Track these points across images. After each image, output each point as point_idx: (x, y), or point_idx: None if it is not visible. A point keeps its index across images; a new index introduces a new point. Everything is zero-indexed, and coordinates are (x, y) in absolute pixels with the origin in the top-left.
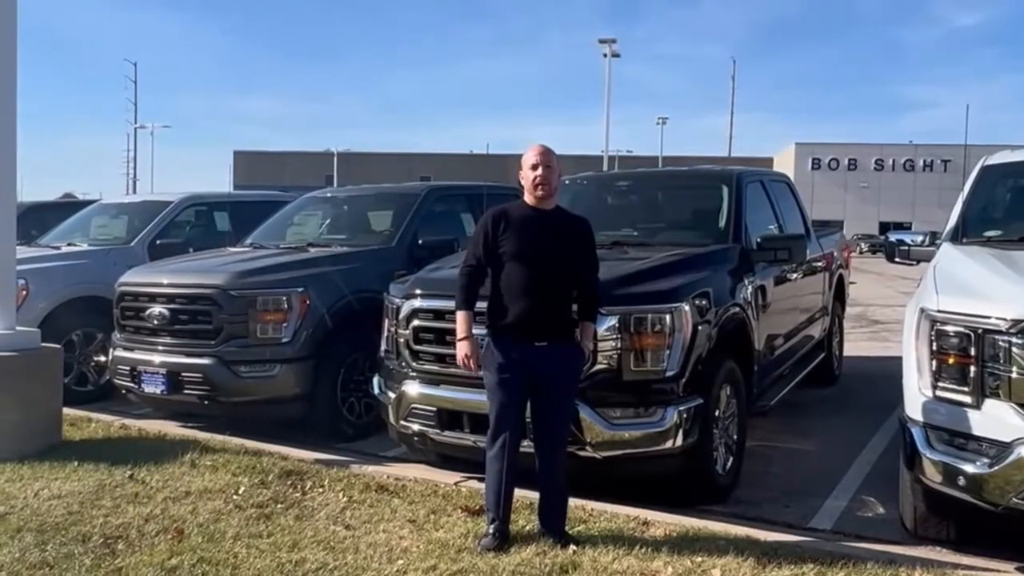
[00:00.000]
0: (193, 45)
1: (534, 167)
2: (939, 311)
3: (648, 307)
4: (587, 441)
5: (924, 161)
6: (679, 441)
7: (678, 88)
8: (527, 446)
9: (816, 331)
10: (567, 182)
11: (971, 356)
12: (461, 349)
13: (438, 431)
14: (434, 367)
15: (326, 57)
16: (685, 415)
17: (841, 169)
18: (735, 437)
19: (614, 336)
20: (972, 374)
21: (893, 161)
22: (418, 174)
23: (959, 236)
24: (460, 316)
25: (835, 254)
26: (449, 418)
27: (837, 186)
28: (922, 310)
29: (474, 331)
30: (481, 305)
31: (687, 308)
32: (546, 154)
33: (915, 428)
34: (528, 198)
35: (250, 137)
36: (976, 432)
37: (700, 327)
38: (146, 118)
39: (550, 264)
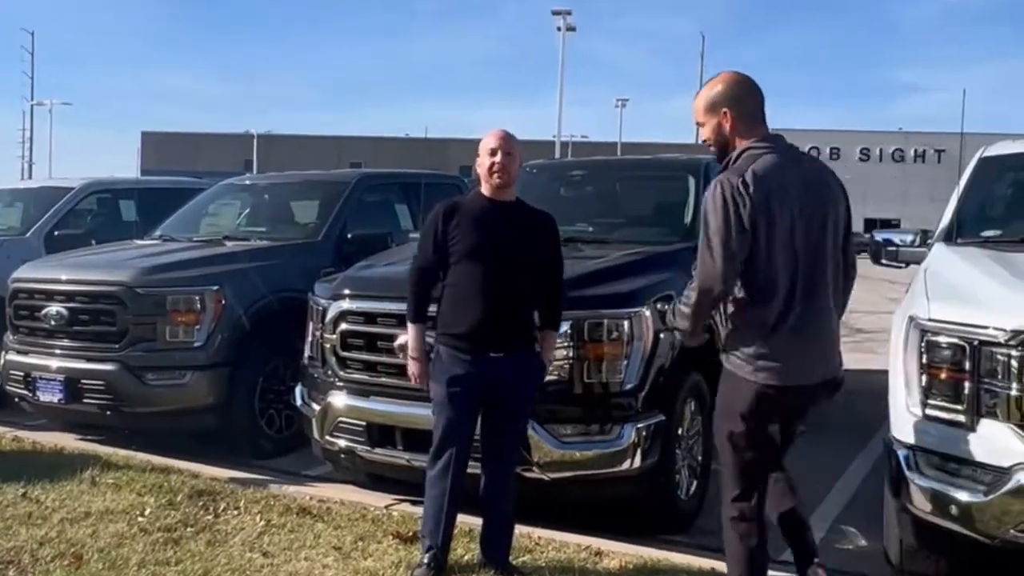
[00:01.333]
0: (103, 11)
1: (492, 153)
2: (930, 320)
3: (604, 312)
4: (534, 461)
5: (915, 151)
6: (637, 462)
7: (641, 67)
8: (471, 467)
9: None
10: None
11: (966, 371)
12: (413, 368)
13: (368, 448)
14: (364, 376)
15: (260, 29)
16: (644, 433)
17: (822, 159)
18: (700, 459)
19: (566, 344)
20: (967, 391)
21: (880, 151)
22: (349, 160)
23: (953, 236)
24: (411, 330)
25: None
26: (380, 433)
27: None
28: (911, 319)
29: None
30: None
31: (648, 313)
32: (506, 140)
33: (902, 451)
34: (485, 188)
35: (168, 117)
36: (970, 456)
37: (662, 335)
38: (45, 94)
39: (508, 263)
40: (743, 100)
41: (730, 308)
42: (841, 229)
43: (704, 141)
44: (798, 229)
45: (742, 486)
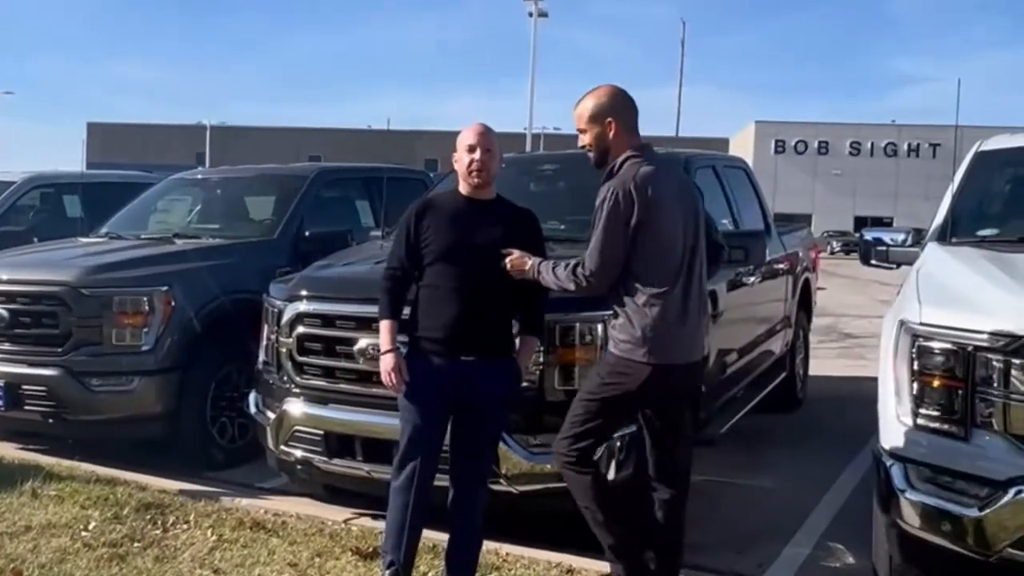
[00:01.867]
0: None
1: (471, 149)
2: (922, 324)
3: (577, 315)
4: (502, 473)
5: (909, 145)
6: (611, 475)
7: (618, 56)
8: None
9: (776, 346)
10: None
11: (960, 378)
12: (385, 363)
13: (325, 459)
14: (322, 382)
15: (217, 15)
16: (618, 444)
17: (810, 153)
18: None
19: (537, 348)
20: (960, 400)
21: (872, 144)
22: (307, 153)
23: (948, 235)
24: (383, 325)
25: (800, 255)
26: (339, 443)
27: (805, 173)
28: (902, 323)
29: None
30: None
31: None
32: (486, 135)
33: (892, 463)
34: (462, 186)
35: (116, 108)
36: (964, 469)
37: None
38: None
39: (485, 263)
40: (626, 112)
41: (627, 300)
42: (702, 231)
43: (585, 147)
44: (680, 231)
45: (592, 437)
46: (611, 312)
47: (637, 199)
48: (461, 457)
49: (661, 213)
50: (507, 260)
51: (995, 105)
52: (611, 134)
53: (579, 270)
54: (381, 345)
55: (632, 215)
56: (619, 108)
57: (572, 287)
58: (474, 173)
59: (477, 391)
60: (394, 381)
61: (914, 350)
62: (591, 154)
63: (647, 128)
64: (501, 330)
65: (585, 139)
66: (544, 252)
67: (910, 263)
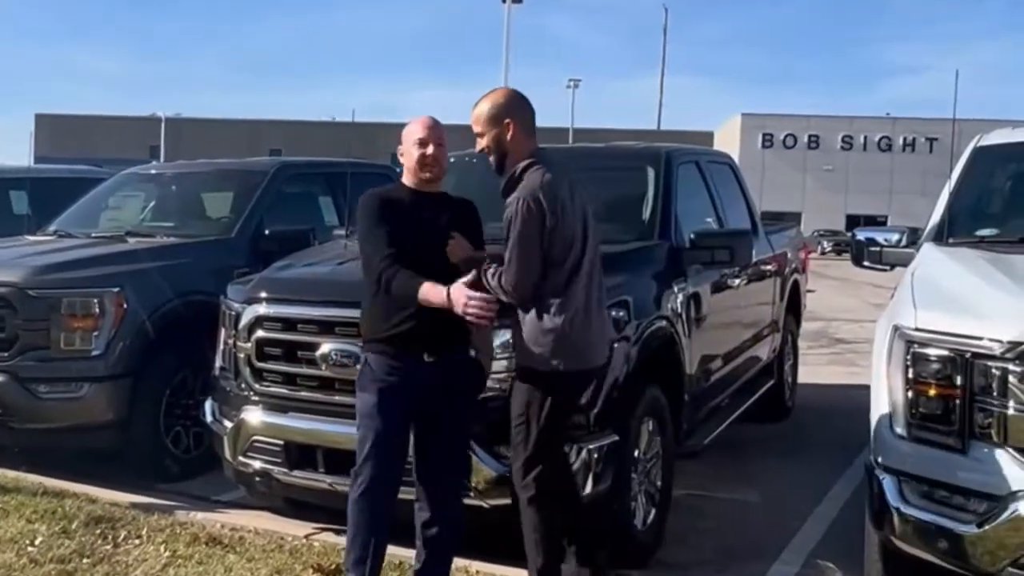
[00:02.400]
0: None
1: (421, 143)
2: (917, 329)
3: None
4: (472, 485)
5: (904, 139)
6: (588, 488)
7: (597, 44)
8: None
9: (764, 352)
10: (452, 159)
11: (957, 387)
12: (456, 295)
13: (286, 470)
14: (282, 390)
15: (174, 2)
16: (596, 455)
17: (799, 148)
18: (659, 484)
19: (508, 355)
20: (958, 410)
21: (865, 138)
22: (267, 146)
23: (945, 235)
24: (425, 288)
25: (789, 255)
26: (300, 454)
27: (794, 169)
28: (896, 328)
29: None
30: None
31: None
32: (436, 129)
33: (885, 476)
34: (409, 179)
35: (66, 98)
36: (962, 483)
37: (617, 344)
38: None
39: (439, 259)
40: (523, 113)
41: (535, 307)
42: (591, 232)
43: (483, 150)
44: (580, 233)
45: (542, 460)
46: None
47: (547, 206)
48: (429, 466)
49: (565, 218)
50: (450, 242)
51: (995, 97)
52: (509, 135)
53: (502, 280)
54: (437, 297)
55: (544, 222)
56: (516, 109)
57: (504, 296)
58: (428, 168)
59: (440, 392)
60: (482, 310)
61: (909, 357)
62: (491, 158)
63: (626, 121)
64: (460, 327)
65: (483, 142)
66: (483, 241)
67: (905, 265)
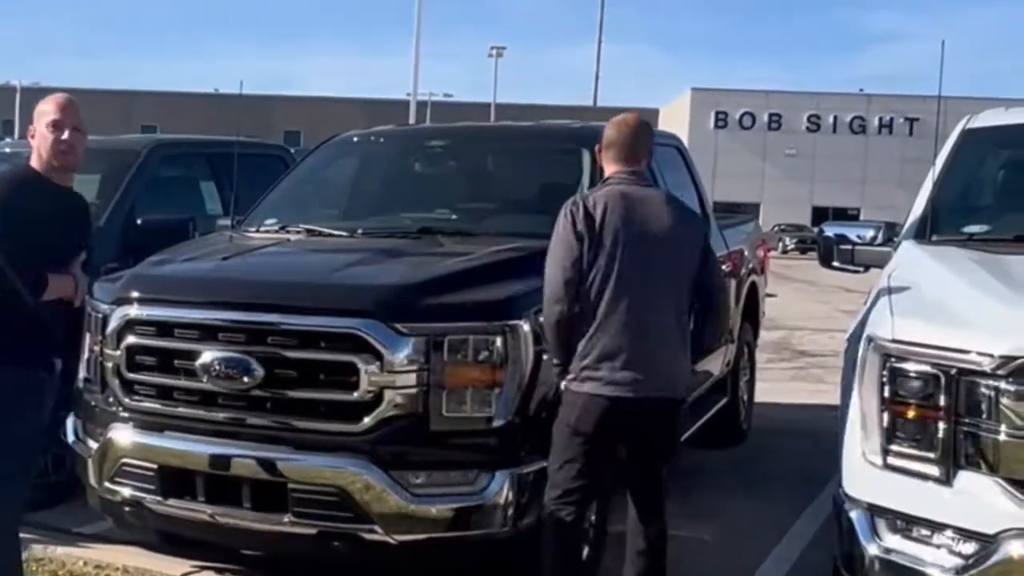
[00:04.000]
0: None
1: (56, 126)
2: (895, 341)
3: (469, 324)
4: (374, 518)
5: (880, 119)
6: (511, 521)
7: (524, 8)
8: None
9: (715, 366)
10: (356, 140)
11: (941, 408)
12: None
13: (159, 498)
14: (156, 405)
15: None
16: (521, 484)
17: (758, 128)
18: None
19: (417, 367)
20: (941, 434)
21: (835, 119)
22: (140, 122)
23: (927, 232)
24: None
25: (745, 253)
26: (177, 480)
27: (752, 153)
28: (870, 339)
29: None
30: None
31: (527, 327)
32: (74, 110)
33: (856, 511)
34: (38, 163)
35: None
36: (946, 519)
37: (544, 356)
38: None
39: (68, 260)
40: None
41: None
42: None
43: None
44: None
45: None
46: (517, 322)
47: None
48: None
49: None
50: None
51: (986, 73)
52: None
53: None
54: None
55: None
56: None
57: None
58: (65, 155)
59: None
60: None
61: (885, 373)
62: None
63: (558, 97)
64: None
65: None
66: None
67: (881, 266)
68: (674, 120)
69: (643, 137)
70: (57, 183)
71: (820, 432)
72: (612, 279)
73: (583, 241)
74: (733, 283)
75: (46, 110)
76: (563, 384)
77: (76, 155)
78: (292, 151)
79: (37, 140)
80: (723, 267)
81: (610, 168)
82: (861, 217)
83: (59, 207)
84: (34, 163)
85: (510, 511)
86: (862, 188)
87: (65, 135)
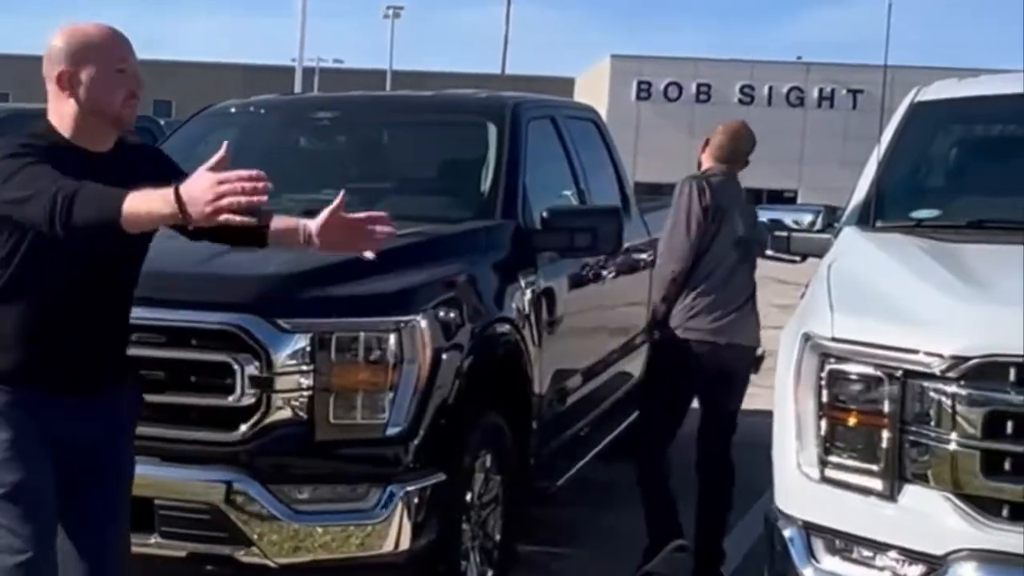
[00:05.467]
0: None
1: (124, 70)
2: (834, 339)
3: (360, 320)
4: (252, 538)
5: (820, 91)
6: (406, 541)
7: None
8: None
9: (637, 366)
10: (233, 111)
11: (884, 414)
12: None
13: None
14: None
15: None
16: (417, 500)
17: (685, 100)
18: (498, 537)
19: (301, 367)
20: (885, 444)
21: (770, 90)
22: None
23: (871, 217)
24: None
25: None
26: None
27: (677, 128)
28: (807, 337)
29: None
30: None
31: (424, 324)
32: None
33: (790, 529)
34: (71, 126)
35: None
36: (890, 539)
37: (445, 355)
38: None
39: None
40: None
41: None
42: None
43: None
44: None
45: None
46: (413, 318)
47: None
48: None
49: None
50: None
51: (937, 40)
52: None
53: None
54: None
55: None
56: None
57: None
58: (132, 111)
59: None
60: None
61: (823, 375)
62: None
63: (462, 64)
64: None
65: None
66: None
67: (820, 255)
68: (591, 91)
69: (747, 146)
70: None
71: (751, 440)
72: (716, 247)
73: (705, 212)
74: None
75: (104, 43)
76: (665, 333)
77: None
78: (162, 123)
79: (89, 89)
80: (644, 256)
81: (708, 164)
82: (799, 200)
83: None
84: (62, 125)
85: (405, 531)
86: (799, 168)
87: (134, 83)
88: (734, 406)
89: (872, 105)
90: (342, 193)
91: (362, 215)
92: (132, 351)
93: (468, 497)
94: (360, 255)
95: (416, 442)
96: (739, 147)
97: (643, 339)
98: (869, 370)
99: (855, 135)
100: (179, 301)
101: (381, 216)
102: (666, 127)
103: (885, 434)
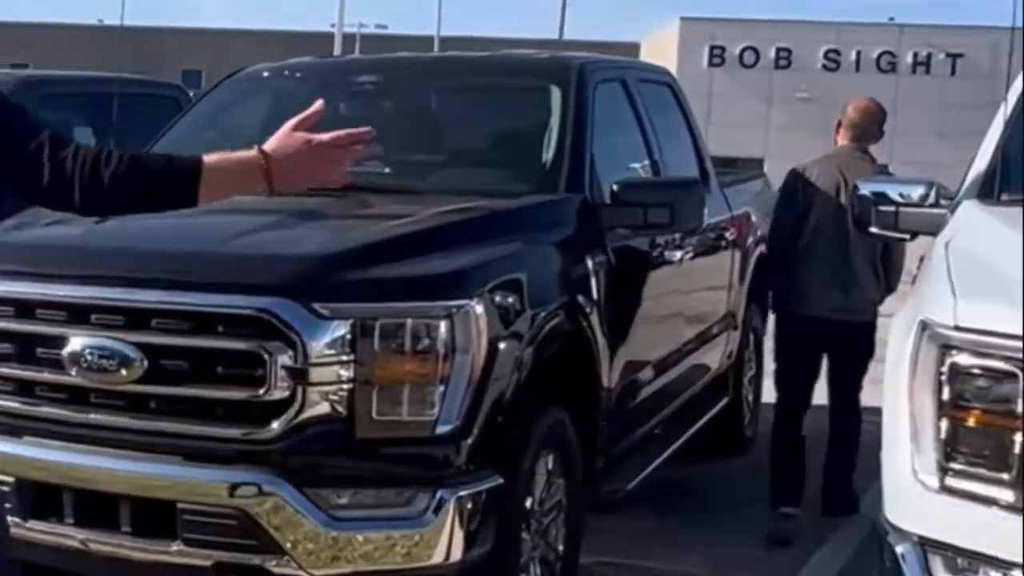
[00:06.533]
0: None
1: None
2: (957, 328)
3: (407, 305)
4: (285, 547)
5: (915, 55)
6: (457, 552)
7: None
8: None
9: (715, 358)
10: (266, 75)
11: (1016, 415)
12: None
13: (18, 519)
14: (13, 403)
15: None
16: (470, 505)
17: (763, 67)
18: (561, 548)
19: (340, 358)
20: (1017, 449)
21: (858, 54)
22: (8, 59)
23: (996, 189)
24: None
25: (754, 218)
26: (39, 497)
27: (755, 97)
28: (924, 325)
29: None
30: None
31: (479, 309)
32: None
33: (903, 544)
34: None
35: None
36: (1019, 557)
37: (503, 344)
38: None
39: None
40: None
41: None
42: None
43: None
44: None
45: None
46: (467, 302)
47: None
48: None
49: None
50: None
51: None
52: None
53: None
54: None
55: None
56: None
57: None
58: None
59: None
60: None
61: (944, 369)
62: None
63: (516, 30)
64: None
65: None
66: None
67: (934, 233)
68: (659, 57)
69: (877, 122)
70: None
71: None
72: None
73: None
74: (738, 254)
75: None
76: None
77: None
78: (191, 93)
79: None
80: (726, 234)
81: (842, 143)
82: (892, 172)
83: None
84: None
85: (456, 540)
86: (890, 140)
87: None
88: (855, 368)
89: (974, 70)
90: (318, 102)
91: (330, 135)
92: (152, 339)
93: (528, 503)
94: (339, 188)
95: (469, 441)
96: (869, 124)
97: (723, 328)
98: (998, 363)
99: (954, 104)
100: (203, 284)
101: (363, 132)
102: (741, 96)
103: (1017, 438)
